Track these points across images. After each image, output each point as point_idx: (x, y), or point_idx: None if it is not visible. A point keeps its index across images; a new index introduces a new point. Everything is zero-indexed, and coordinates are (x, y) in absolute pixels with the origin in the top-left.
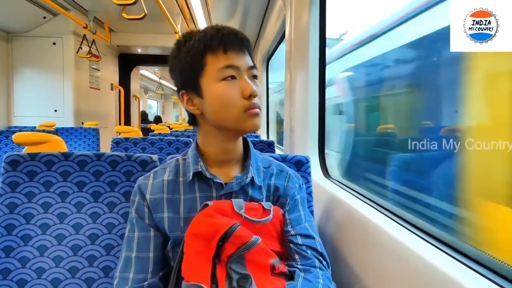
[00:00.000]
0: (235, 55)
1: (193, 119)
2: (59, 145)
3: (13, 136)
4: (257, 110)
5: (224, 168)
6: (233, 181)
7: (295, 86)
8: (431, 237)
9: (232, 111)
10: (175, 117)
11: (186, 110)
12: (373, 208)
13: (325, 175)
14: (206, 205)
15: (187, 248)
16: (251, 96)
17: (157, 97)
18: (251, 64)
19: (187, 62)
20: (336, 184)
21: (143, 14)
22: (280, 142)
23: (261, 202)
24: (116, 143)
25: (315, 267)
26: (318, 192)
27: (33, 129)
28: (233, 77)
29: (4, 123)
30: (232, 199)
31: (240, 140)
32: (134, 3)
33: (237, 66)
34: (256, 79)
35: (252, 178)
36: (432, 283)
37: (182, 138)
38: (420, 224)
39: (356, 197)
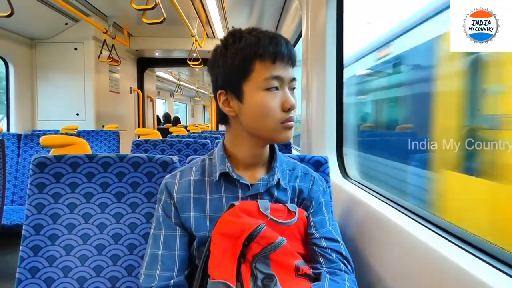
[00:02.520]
0: (282, 66)
1: (224, 119)
2: (83, 147)
3: (40, 139)
4: (292, 123)
5: (250, 170)
6: (259, 182)
7: (312, 86)
8: (457, 239)
9: (269, 122)
10: (207, 119)
11: (219, 109)
12: (394, 209)
13: (343, 176)
14: (233, 205)
15: (213, 247)
16: (290, 109)
17: (186, 100)
18: (293, 76)
19: (235, 64)
20: (355, 185)
21: (162, 18)
22: (295, 143)
23: (286, 204)
24: (137, 145)
25: (340, 270)
26: (337, 192)
27: (56, 132)
28: (276, 88)
29: (29, 127)
30: (258, 200)
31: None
32: (153, 8)
33: (282, 77)
34: (294, 90)
35: (278, 180)
36: (459, 284)
37: (199, 140)
38: (445, 226)
39: (376, 197)
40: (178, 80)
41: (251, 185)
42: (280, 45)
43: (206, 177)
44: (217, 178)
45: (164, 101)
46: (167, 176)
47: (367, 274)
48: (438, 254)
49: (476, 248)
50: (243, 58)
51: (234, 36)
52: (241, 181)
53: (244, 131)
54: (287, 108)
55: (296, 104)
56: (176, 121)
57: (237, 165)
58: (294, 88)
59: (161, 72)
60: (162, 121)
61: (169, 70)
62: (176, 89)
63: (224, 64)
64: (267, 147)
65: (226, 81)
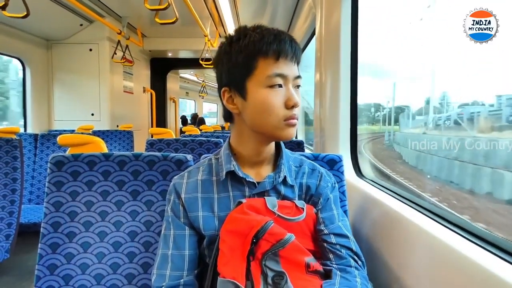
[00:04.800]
0: (286, 63)
1: (229, 117)
2: (99, 146)
3: (58, 138)
4: (296, 120)
5: (256, 167)
6: (266, 180)
7: (325, 84)
8: (476, 237)
9: (272, 119)
10: None
11: (224, 107)
12: (411, 208)
13: (357, 175)
14: (240, 202)
15: (222, 245)
16: (293, 106)
17: (217, 100)
18: (298, 74)
19: (238, 62)
20: (370, 183)
21: (175, 18)
22: (307, 142)
23: (294, 201)
24: (151, 144)
25: (351, 266)
26: (351, 191)
27: (72, 132)
28: (280, 86)
29: (45, 127)
30: (265, 197)
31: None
32: (166, 8)
33: (286, 75)
34: (299, 88)
35: (285, 177)
36: (478, 282)
37: (212, 139)
38: (463, 224)
39: (392, 196)
40: (203, 81)
41: (258, 183)
42: (284, 42)
43: (213, 176)
44: (224, 177)
45: (193, 101)
46: (175, 176)
47: (383, 272)
48: (458, 254)
49: (498, 248)
50: (246, 55)
51: (238, 33)
52: (247, 179)
53: (248, 129)
54: (291, 106)
55: (299, 101)
56: (201, 121)
57: (243, 163)
58: (298, 86)
59: (186, 74)
60: (189, 122)
61: (192, 71)
62: (202, 90)
63: (228, 61)
64: (273, 144)
65: (230, 78)
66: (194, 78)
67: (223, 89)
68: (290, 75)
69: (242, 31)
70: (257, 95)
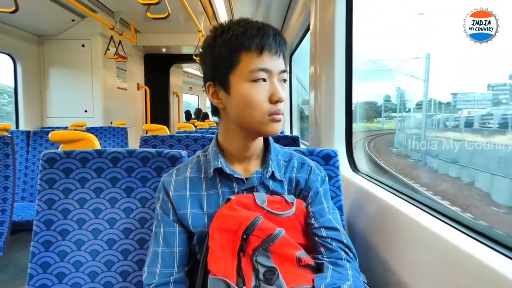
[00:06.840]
0: (270, 57)
1: (215, 111)
2: (92, 143)
3: (49, 135)
4: (281, 116)
5: (244, 163)
6: (254, 176)
7: (320, 80)
8: (471, 230)
9: (256, 114)
10: None
11: (210, 102)
12: (407, 202)
13: (353, 169)
14: (229, 199)
15: (212, 242)
16: (278, 101)
17: None
18: (283, 68)
19: (221, 56)
20: (366, 178)
21: (167, 13)
22: (303, 138)
23: (284, 195)
24: (145, 141)
25: (342, 259)
26: (346, 186)
27: (65, 129)
28: (264, 80)
29: (38, 124)
30: (254, 193)
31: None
32: (158, 3)
33: (270, 69)
34: (285, 82)
35: (273, 172)
36: (473, 275)
37: (207, 135)
38: (458, 217)
39: (387, 191)
40: None
41: (246, 179)
42: (268, 36)
43: (201, 173)
44: (212, 174)
45: (196, 96)
46: (164, 174)
47: (379, 266)
48: (453, 247)
49: (492, 240)
50: (229, 49)
51: (222, 27)
52: (235, 175)
53: (234, 124)
54: (275, 101)
55: (284, 96)
56: (205, 116)
57: (231, 159)
58: (284, 80)
59: (189, 68)
60: (193, 116)
61: (195, 65)
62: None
63: (211, 55)
64: (260, 139)
65: (214, 73)
66: (197, 72)
67: (207, 83)
68: (274, 70)
69: (226, 25)
70: (240, 90)
